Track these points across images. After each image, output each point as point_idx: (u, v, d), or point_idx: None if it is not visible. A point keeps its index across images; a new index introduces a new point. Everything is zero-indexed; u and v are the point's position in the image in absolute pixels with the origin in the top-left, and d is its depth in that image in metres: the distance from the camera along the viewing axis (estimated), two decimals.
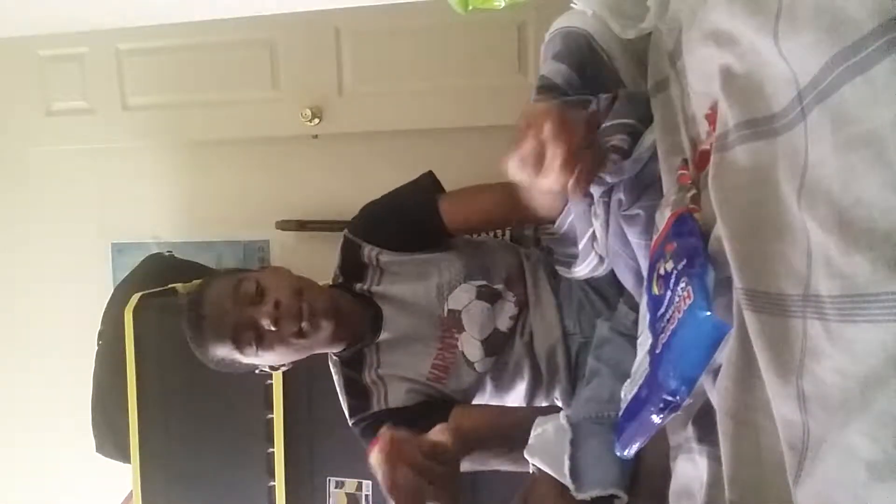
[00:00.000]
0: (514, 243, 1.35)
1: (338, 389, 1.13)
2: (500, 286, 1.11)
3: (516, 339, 1.10)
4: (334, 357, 1.13)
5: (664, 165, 0.70)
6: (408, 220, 1.13)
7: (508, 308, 1.10)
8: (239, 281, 1.03)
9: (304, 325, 1.00)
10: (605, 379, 0.90)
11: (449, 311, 1.09)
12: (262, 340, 1.00)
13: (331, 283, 1.17)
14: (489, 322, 1.09)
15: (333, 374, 1.14)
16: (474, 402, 1.12)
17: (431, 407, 1.07)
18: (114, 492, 2.07)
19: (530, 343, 1.10)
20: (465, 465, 0.89)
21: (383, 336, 1.10)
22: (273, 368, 1.10)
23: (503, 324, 1.10)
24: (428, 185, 1.15)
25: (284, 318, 0.99)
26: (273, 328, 0.98)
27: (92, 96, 2.04)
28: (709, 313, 0.50)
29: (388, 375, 1.09)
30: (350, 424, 1.11)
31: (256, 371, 1.10)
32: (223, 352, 1.02)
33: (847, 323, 0.38)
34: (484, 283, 1.10)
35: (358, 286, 1.13)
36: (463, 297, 1.09)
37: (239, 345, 1.00)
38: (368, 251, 1.13)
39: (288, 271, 1.10)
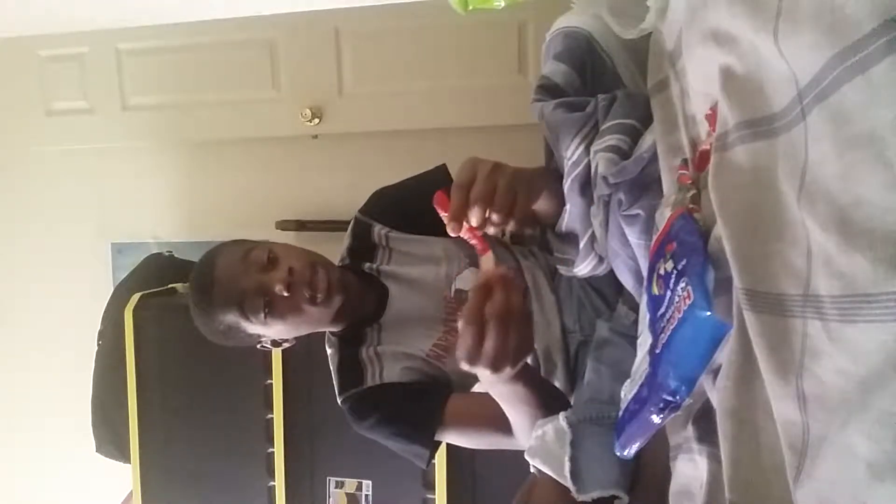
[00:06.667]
0: (515, 243, 1.36)
1: (331, 367, 1.13)
2: None
3: None
4: (332, 337, 1.13)
5: (664, 165, 0.69)
6: (419, 204, 1.14)
7: None
8: (251, 248, 1.03)
9: (319, 294, 1.00)
10: (605, 379, 0.89)
11: (456, 290, 1.10)
12: (272, 308, 0.99)
13: (337, 264, 1.17)
14: None
15: (329, 352, 1.14)
16: (473, 389, 1.11)
17: (425, 388, 1.07)
18: (114, 492, 2.07)
19: None
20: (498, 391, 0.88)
21: (387, 315, 1.11)
22: (275, 344, 1.10)
23: None
24: (441, 177, 1.18)
25: (297, 285, 0.99)
26: (285, 294, 0.98)
27: (92, 96, 2.04)
28: (709, 313, 0.50)
29: (387, 352, 1.10)
30: (340, 401, 1.11)
31: (258, 346, 1.09)
32: (230, 318, 1.01)
33: (847, 323, 0.38)
34: None
35: (367, 265, 1.14)
36: (471, 278, 1.10)
37: (248, 311, 0.99)
38: (378, 230, 1.15)
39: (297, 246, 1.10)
